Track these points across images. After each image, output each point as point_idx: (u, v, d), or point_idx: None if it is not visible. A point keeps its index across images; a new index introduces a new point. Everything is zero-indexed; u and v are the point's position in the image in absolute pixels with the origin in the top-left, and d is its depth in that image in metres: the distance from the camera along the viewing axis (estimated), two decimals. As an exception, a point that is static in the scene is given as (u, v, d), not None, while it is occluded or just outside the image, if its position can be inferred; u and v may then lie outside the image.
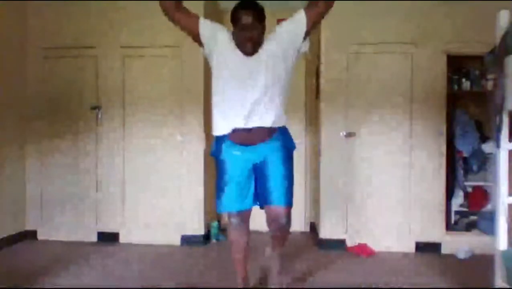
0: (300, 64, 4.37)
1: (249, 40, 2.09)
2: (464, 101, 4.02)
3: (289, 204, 2.26)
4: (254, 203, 2.31)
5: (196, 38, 2.20)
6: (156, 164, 3.83)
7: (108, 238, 3.83)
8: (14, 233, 3.78)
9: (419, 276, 3.02)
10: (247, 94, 2.13)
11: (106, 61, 3.86)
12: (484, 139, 3.83)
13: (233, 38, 2.15)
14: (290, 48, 2.20)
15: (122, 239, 3.85)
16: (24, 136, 3.93)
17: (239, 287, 2.46)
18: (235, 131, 2.18)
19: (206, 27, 2.17)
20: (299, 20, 2.18)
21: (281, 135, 2.27)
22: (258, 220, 2.48)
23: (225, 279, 2.88)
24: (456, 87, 3.88)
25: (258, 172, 2.25)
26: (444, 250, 3.56)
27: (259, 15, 2.12)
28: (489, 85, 3.69)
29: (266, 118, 2.17)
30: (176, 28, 3.72)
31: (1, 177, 3.63)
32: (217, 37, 2.17)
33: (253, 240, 2.45)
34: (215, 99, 2.24)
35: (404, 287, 2.77)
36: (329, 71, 3.69)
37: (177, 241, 3.78)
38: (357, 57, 3.65)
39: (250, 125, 2.16)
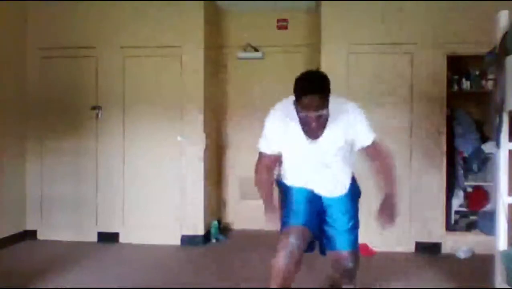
0: (300, 64, 4.38)
1: (313, 129, 1.91)
2: (464, 101, 4.02)
3: (355, 247, 2.15)
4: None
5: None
6: (156, 164, 3.83)
7: (108, 238, 3.83)
8: (14, 233, 3.78)
9: (419, 276, 3.02)
10: (311, 174, 2.09)
11: (106, 61, 3.87)
12: (484, 139, 3.83)
13: (295, 110, 1.94)
14: (347, 143, 2.08)
15: (122, 239, 3.85)
16: (24, 136, 3.93)
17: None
18: None
19: (273, 145, 2.07)
20: (362, 140, 2.10)
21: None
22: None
23: (225, 279, 2.89)
24: (456, 87, 3.88)
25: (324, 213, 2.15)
26: (444, 250, 3.57)
27: (326, 92, 1.87)
28: (489, 85, 3.70)
29: (328, 192, 2.13)
30: (176, 28, 3.78)
31: (1, 177, 3.63)
32: (285, 135, 2.03)
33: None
34: (284, 165, 2.17)
35: (404, 287, 2.77)
36: (329, 71, 3.67)
37: (177, 241, 3.78)
38: (357, 57, 3.65)
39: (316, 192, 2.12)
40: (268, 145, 2.07)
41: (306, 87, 1.83)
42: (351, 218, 2.18)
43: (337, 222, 2.13)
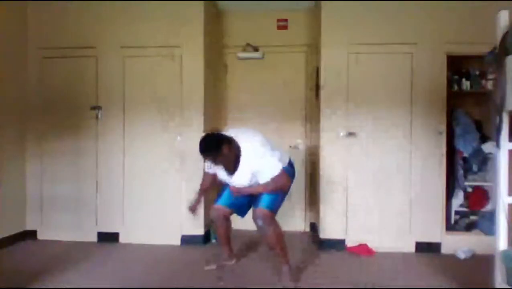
0: (300, 64, 4.39)
1: (224, 168, 2.85)
2: (464, 101, 4.02)
3: (267, 207, 2.78)
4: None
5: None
6: (155, 164, 3.83)
7: (108, 238, 3.83)
8: (14, 233, 3.78)
9: (419, 276, 3.02)
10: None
11: (106, 61, 3.87)
12: (484, 139, 3.83)
13: None
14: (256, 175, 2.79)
15: (122, 239, 3.85)
16: (24, 136, 3.93)
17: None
18: None
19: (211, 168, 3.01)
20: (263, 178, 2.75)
21: None
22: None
23: (224, 279, 2.89)
24: (456, 87, 3.88)
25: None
26: (444, 250, 3.57)
27: (214, 152, 2.69)
28: (489, 85, 3.70)
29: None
30: (176, 28, 3.79)
31: (1, 177, 3.62)
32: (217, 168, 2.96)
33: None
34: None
35: (404, 287, 2.77)
36: (329, 71, 3.69)
37: (177, 241, 3.79)
38: (357, 57, 3.65)
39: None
40: (208, 168, 3.03)
41: (199, 149, 2.71)
42: (267, 195, 2.82)
43: (258, 199, 2.85)
